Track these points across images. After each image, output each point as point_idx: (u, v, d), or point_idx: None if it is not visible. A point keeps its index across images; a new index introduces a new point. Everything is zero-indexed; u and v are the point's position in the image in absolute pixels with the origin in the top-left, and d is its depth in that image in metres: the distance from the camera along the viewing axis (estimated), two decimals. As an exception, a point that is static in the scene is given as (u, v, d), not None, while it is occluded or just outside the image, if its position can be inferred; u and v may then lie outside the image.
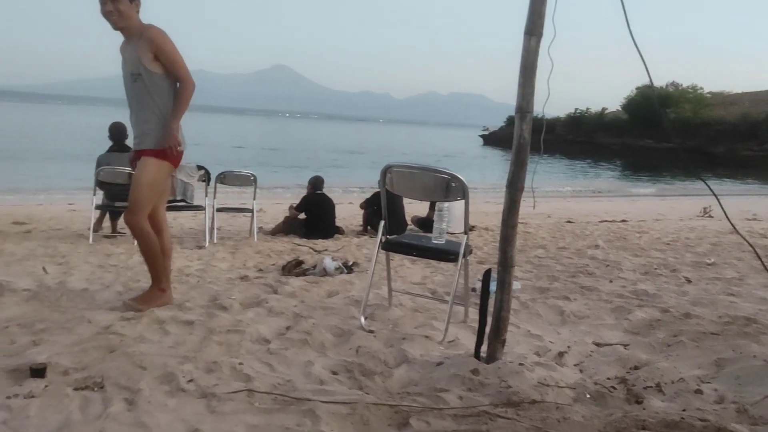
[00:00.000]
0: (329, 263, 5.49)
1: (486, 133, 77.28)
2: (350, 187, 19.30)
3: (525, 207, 3.01)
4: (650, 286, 5.08)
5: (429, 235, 3.90)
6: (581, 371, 3.06)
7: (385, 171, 3.75)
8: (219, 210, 8.03)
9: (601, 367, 3.08)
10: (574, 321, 4.04)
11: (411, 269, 5.78)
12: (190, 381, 2.66)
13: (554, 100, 3.14)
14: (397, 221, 7.84)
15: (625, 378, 2.85)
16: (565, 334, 3.75)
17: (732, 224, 3.44)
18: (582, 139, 61.10)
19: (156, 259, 4.01)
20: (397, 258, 5.80)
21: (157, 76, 3.80)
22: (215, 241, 7.49)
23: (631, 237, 8.63)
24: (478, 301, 3.19)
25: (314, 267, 5.53)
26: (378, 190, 8.88)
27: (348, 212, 10.46)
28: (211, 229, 7.57)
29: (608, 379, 2.88)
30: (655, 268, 5.96)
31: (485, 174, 30.64)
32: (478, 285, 4.12)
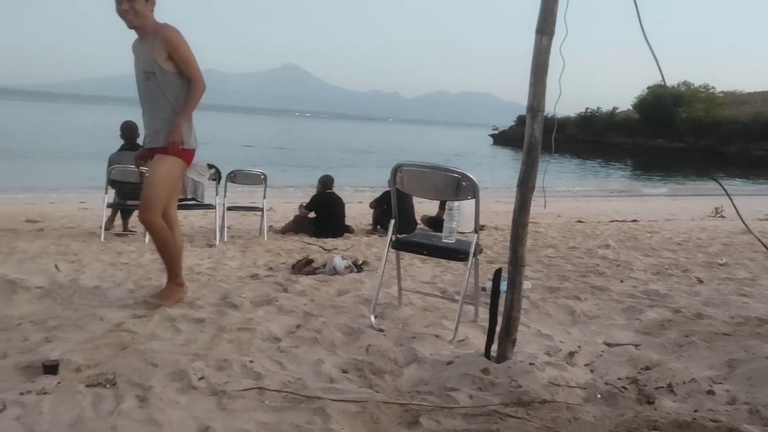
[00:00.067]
0: (339, 262, 5.50)
1: (496, 132, 77.09)
2: (360, 187, 19.32)
3: (535, 206, 3.00)
4: (661, 286, 5.05)
5: (439, 234, 3.90)
6: (592, 371, 3.04)
7: (396, 170, 3.74)
8: (229, 209, 8.06)
9: (612, 367, 3.07)
10: (584, 321, 4.02)
11: (421, 268, 5.78)
12: (201, 378, 2.68)
13: (564, 100, 3.13)
14: (407, 220, 7.84)
15: (637, 378, 2.84)
16: (576, 334, 3.74)
17: (745, 224, 3.42)
18: (593, 138, 60.85)
19: (173, 254, 4.05)
20: (407, 257, 5.80)
21: (171, 75, 3.82)
22: (225, 239, 7.52)
23: (642, 237, 8.59)
24: (488, 301, 3.19)
25: (324, 266, 5.54)
26: (388, 189, 8.89)
27: (357, 211, 10.47)
28: (222, 227, 7.60)
29: (619, 379, 2.87)
30: (667, 268, 5.93)
31: (495, 173, 30.57)
32: (488, 284, 4.12)
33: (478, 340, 3.42)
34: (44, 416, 2.26)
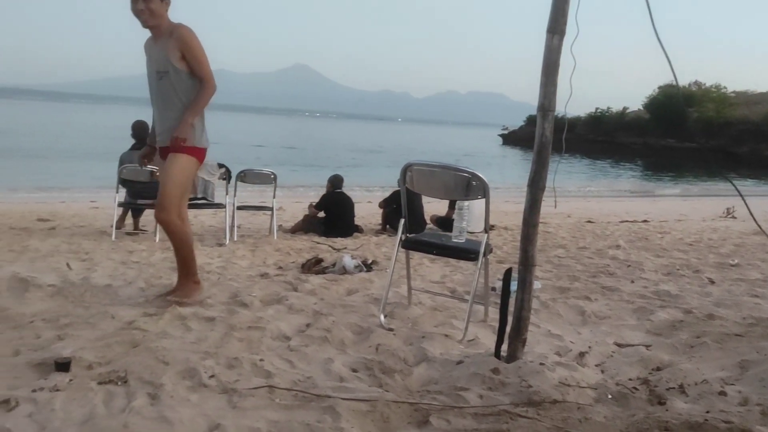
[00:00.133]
0: (348, 261, 5.51)
1: (505, 132, 76.91)
2: (370, 186, 19.33)
3: (545, 207, 2.99)
4: (673, 286, 5.03)
5: (449, 234, 3.89)
6: (602, 372, 3.03)
7: (406, 169, 3.74)
8: (239, 208, 8.08)
9: (623, 367, 3.05)
10: (595, 321, 4.01)
11: (430, 268, 5.78)
12: (212, 376, 2.68)
13: (574, 100, 3.12)
14: (416, 220, 7.83)
15: (648, 379, 2.83)
16: (586, 335, 3.73)
17: (758, 224, 3.40)
18: (603, 138, 60.61)
19: (190, 253, 4.08)
20: (416, 257, 5.80)
21: (184, 75, 3.84)
22: (235, 238, 7.54)
23: (652, 237, 8.55)
24: (498, 301, 3.18)
25: (334, 265, 5.54)
26: (397, 188, 8.89)
27: (367, 211, 10.48)
28: (232, 226, 7.63)
29: (630, 379, 2.86)
30: (678, 269, 5.90)
31: (505, 173, 30.51)
32: (498, 284, 4.11)
33: (488, 340, 3.41)
34: (56, 413, 2.28)
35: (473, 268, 3.84)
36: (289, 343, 3.28)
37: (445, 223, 8.65)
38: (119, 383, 2.57)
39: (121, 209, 8.02)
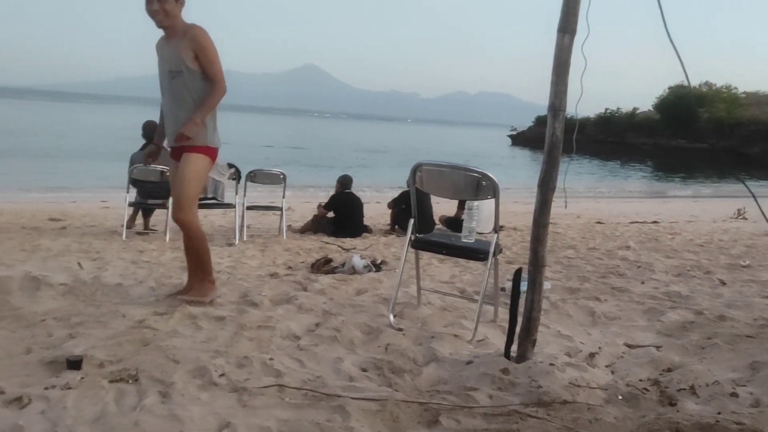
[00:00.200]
0: (358, 261, 5.51)
1: (514, 133, 76.68)
2: (379, 187, 19.33)
3: (554, 207, 2.98)
4: (683, 287, 5.00)
5: (458, 234, 3.89)
6: (613, 372, 3.02)
7: (416, 169, 3.74)
8: (249, 208, 8.11)
9: (633, 368, 3.04)
10: (604, 322, 3.99)
11: (439, 268, 5.77)
12: (222, 375, 2.70)
13: (584, 99, 3.11)
14: (425, 220, 7.83)
15: (658, 380, 2.81)
16: (596, 335, 3.71)
17: (769, 225, 3.38)
18: (612, 139, 60.30)
19: (207, 252, 4.10)
20: (425, 257, 5.80)
21: (198, 75, 3.86)
22: (245, 238, 7.56)
23: (663, 238, 8.51)
24: (507, 301, 3.18)
25: (343, 265, 5.55)
26: (405, 189, 8.89)
27: (376, 211, 10.49)
28: (241, 226, 7.66)
29: (640, 380, 2.84)
30: (688, 270, 5.86)
31: (514, 174, 30.40)
32: (508, 285, 4.10)
33: (498, 340, 3.41)
34: (68, 411, 2.30)
35: (482, 268, 3.84)
36: (298, 343, 3.29)
37: (453, 223, 8.63)
38: (130, 381, 2.59)
39: (131, 209, 8.07)
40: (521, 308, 3.00)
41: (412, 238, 3.81)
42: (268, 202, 9.52)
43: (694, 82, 61.42)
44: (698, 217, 12.84)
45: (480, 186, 3.56)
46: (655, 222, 11.17)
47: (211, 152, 4.01)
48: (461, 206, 8.41)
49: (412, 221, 3.81)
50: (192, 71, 3.84)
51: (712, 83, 63.36)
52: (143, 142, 8.24)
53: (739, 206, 13.03)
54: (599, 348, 3.38)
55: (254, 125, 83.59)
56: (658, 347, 3.41)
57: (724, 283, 5.26)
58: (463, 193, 3.79)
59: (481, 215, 3.88)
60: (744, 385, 2.73)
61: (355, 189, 9.30)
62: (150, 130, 8.19)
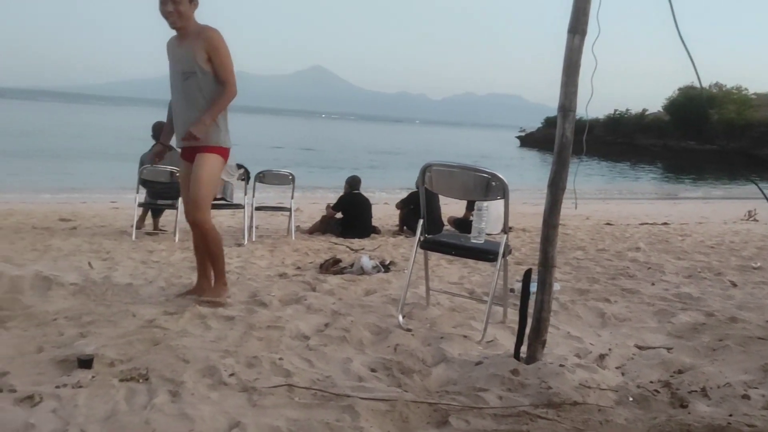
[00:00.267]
0: (366, 262, 5.52)
1: (523, 134, 76.52)
2: (387, 188, 19.34)
3: (563, 208, 2.97)
4: (694, 289, 4.98)
5: (467, 234, 3.88)
6: (623, 374, 3.01)
7: (425, 170, 3.74)
8: (258, 208, 8.12)
9: (644, 370, 3.03)
10: (615, 323, 3.98)
11: (448, 269, 5.77)
12: (232, 375, 2.70)
13: (593, 101, 3.10)
14: (433, 221, 7.82)
15: (669, 382, 2.80)
16: (606, 337, 3.70)
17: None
18: (621, 140, 60.06)
19: (221, 254, 4.14)
20: (433, 258, 5.79)
21: (211, 77, 3.87)
22: (254, 239, 7.58)
23: (673, 240, 8.46)
24: (517, 302, 3.17)
25: (352, 265, 5.56)
26: (414, 190, 8.88)
27: (384, 212, 10.49)
28: (250, 227, 7.67)
29: (651, 382, 2.83)
30: (699, 272, 5.83)
31: (523, 175, 30.33)
32: (517, 286, 4.09)
33: (507, 341, 3.40)
34: (79, 409, 2.31)
35: (491, 269, 3.83)
36: (308, 343, 3.29)
37: (462, 224, 8.62)
38: (141, 380, 2.60)
39: (141, 209, 8.10)
40: (531, 309, 2.99)
41: (421, 238, 3.80)
42: (277, 202, 9.54)
43: (705, 83, 61.08)
44: (709, 219, 12.77)
45: (489, 186, 3.55)
46: (665, 223, 11.11)
47: (224, 152, 4.03)
48: (470, 207, 8.40)
49: (421, 222, 3.80)
50: (206, 73, 3.85)
51: (723, 84, 63.01)
52: (153, 143, 8.28)
53: (750, 208, 12.95)
54: (609, 349, 3.37)
55: (263, 126, 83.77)
56: (668, 349, 3.39)
57: (735, 285, 5.22)
58: (473, 193, 3.78)
59: (490, 216, 3.88)
60: (756, 387, 2.71)
61: (366, 191, 9.30)
62: (160, 131, 8.23)
